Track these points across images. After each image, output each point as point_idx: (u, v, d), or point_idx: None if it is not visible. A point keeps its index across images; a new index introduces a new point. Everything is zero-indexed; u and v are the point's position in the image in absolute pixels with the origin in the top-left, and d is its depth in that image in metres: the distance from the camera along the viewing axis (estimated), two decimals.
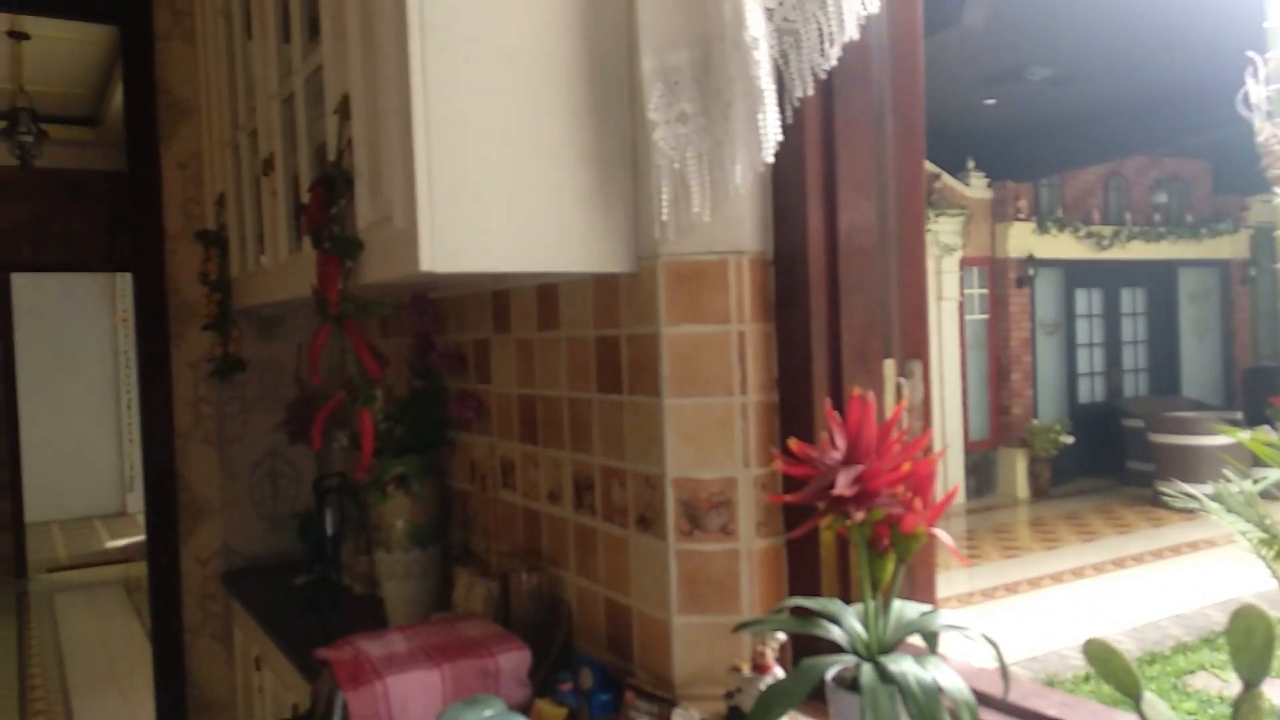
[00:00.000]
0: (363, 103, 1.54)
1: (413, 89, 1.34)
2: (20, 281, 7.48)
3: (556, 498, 1.80)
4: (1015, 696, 1.23)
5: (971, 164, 10.16)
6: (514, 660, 1.62)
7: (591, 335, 1.65)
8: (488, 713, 1.45)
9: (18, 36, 4.92)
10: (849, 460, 1.13)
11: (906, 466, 1.08)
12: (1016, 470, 10.28)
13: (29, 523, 7.70)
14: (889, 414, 1.41)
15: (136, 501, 9.76)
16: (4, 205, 7.11)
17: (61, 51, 5.36)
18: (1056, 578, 7.22)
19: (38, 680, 5.26)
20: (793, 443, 1.17)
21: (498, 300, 1.99)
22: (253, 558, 2.93)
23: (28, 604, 6.82)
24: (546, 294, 1.79)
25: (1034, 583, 7.11)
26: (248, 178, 2.36)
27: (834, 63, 1.22)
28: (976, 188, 10.16)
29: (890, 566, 1.17)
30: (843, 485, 1.09)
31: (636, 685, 1.46)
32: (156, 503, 2.89)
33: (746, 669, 1.35)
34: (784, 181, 1.43)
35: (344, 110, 1.59)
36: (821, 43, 1.23)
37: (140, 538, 8.60)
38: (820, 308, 1.42)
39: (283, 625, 2.34)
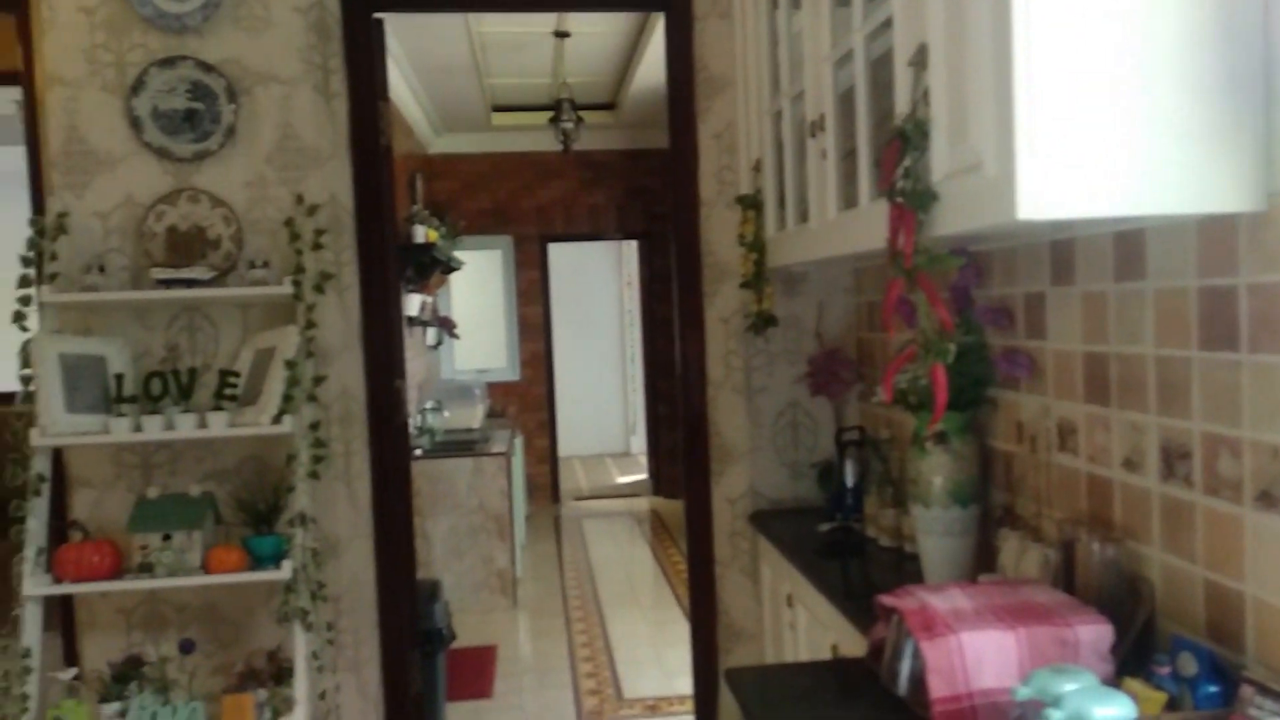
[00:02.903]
0: (943, 50, 1.51)
1: (1013, 27, 1.28)
2: (552, 249, 8.73)
3: (1135, 465, 1.64)
4: None
5: None
6: (1094, 633, 1.52)
7: (1193, 285, 1.47)
8: (1077, 684, 1.38)
9: (561, 35, 5.68)
10: None
11: None
12: None
13: (559, 457, 9.03)
14: None
15: (638, 443, 10.98)
16: (545, 185, 8.35)
17: (589, 45, 6.08)
18: None
19: (574, 591, 6.16)
20: None
21: (1057, 250, 1.86)
22: (776, 501, 3.12)
23: (561, 526, 8.01)
24: (1127, 241, 1.63)
25: None
26: (790, 141, 2.48)
27: None
28: None
29: None
30: None
31: (1258, 681, 1.29)
32: (692, 444, 3.19)
33: None
34: None
35: (920, 61, 1.57)
36: None
37: (642, 476, 9.69)
38: None
39: (814, 568, 2.46)
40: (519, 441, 7.33)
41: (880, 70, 1.88)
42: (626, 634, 5.24)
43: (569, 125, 5.91)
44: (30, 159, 3.03)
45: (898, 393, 2.12)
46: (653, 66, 6.12)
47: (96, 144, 2.79)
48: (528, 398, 8.55)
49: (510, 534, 5.75)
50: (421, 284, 6.31)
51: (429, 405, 6.08)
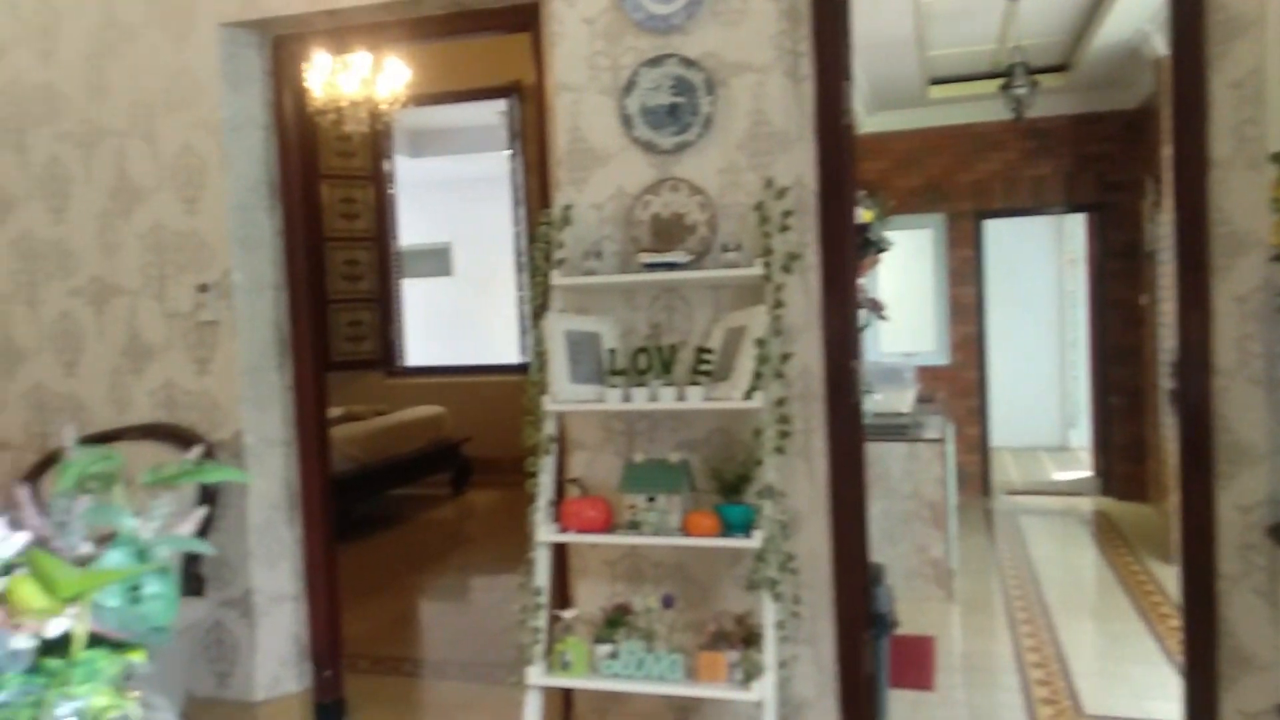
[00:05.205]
0: None
1: None
2: (988, 225, 8.23)
3: None
4: None
5: None
6: None
7: None
8: None
9: None
10: None
11: None
12: None
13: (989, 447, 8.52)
14: None
15: (1078, 437, 10.04)
16: (983, 157, 7.90)
17: (1044, 2, 5.60)
18: None
19: (1015, 590, 5.77)
20: None
21: None
22: None
23: (993, 520, 7.56)
24: None
25: None
26: None
27: None
28: None
29: None
30: None
31: None
32: (1192, 441, 2.80)
33: None
34: None
35: None
36: None
37: (1085, 473, 8.82)
38: None
39: None
40: (951, 429, 7.03)
41: None
42: (1080, 643, 4.79)
43: (1022, 91, 5.50)
44: (538, 159, 3.46)
45: None
46: (1121, 17, 5.50)
47: (594, 142, 3.10)
48: (957, 383, 8.17)
49: (945, 524, 5.53)
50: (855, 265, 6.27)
51: None
